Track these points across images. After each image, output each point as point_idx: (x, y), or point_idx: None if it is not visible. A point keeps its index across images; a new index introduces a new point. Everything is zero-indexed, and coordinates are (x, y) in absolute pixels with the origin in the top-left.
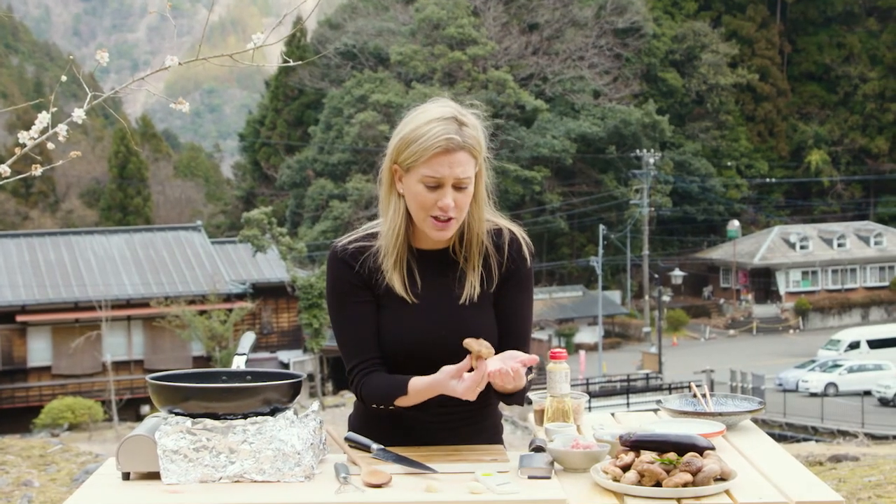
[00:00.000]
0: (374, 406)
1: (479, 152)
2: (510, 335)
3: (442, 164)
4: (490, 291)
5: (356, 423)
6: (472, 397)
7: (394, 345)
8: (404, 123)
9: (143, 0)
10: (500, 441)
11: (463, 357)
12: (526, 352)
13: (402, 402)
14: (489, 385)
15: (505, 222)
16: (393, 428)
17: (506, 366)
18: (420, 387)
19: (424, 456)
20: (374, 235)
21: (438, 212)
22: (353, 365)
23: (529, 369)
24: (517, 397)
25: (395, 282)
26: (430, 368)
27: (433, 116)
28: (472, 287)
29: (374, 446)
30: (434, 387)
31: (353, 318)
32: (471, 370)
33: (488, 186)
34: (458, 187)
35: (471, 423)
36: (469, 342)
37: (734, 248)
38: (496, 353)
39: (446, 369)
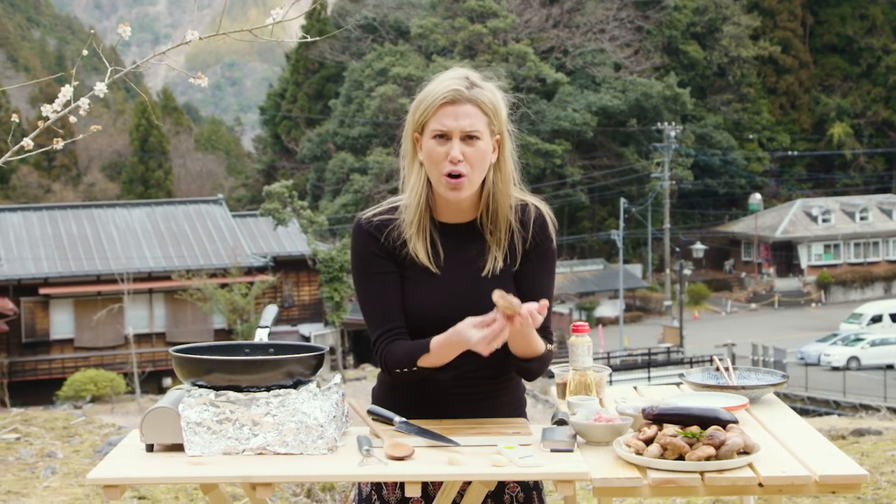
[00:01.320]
0: (398, 371)
1: (490, 110)
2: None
3: (448, 115)
4: (512, 267)
5: (379, 396)
6: (485, 351)
7: (416, 316)
8: (422, 87)
9: None
10: (523, 415)
11: None
12: (547, 329)
13: (424, 360)
14: (509, 354)
15: (531, 198)
16: (416, 401)
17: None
18: (442, 340)
19: (447, 429)
20: (397, 209)
21: (449, 166)
22: (378, 334)
23: (550, 340)
24: (533, 365)
25: (419, 250)
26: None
27: (446, 77)
28: (494, 260)
29: (397, 419)
30: (454, 337)
31: (378, 289)
32: None
33: (514, 161)
34: (467, 139)
35: (494, 397)
36: (497, 297)
37: (756, 222)
38: None
39: (469, 319)
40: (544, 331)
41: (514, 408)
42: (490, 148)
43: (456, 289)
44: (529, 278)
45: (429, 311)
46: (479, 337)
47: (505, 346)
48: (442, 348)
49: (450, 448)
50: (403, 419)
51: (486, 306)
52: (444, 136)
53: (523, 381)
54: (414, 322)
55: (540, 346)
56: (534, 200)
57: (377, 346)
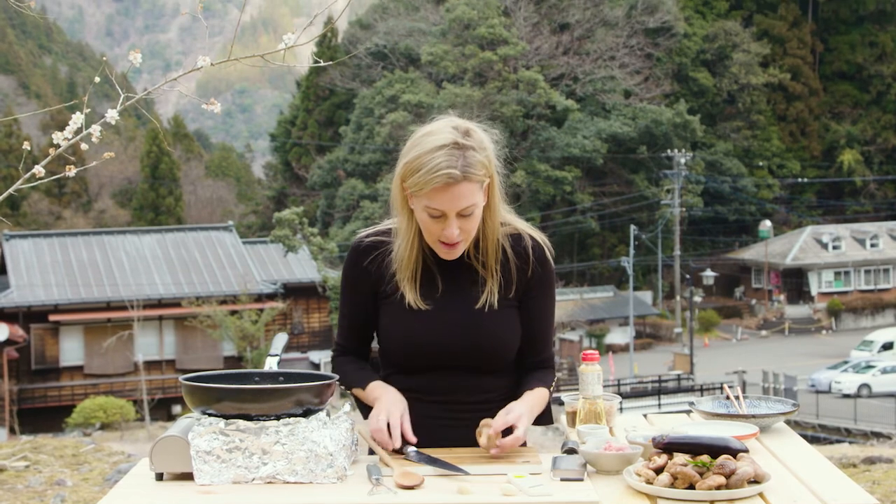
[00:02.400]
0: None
1: (484, 175)
2: (535, 340)
3: (443, 198)
4: (511, 297)
5: None
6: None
7: (410, 347)
8: (409, 146)
9: (175, 1)
10: (524, 443)
11: (476, 362)
12: (548, 353)
13: (357, 392)
14: (514, 390)
15: (523, 225)
16: (416, 428)
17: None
18: (373, 392)
19: (456, 458)
20: (388, 231)
21: (444, 238)
22: (336, 343)
23: (552, 370)
24: (543, 418)
25: (408, 293)
26: (445, 371)
27: (435, 144)
28: (490, 293)
29: (408, 448)
30: (378, 400)
31: (349, 308)
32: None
33: (503, 193)
34: (463, 216)
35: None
36: (483, 440)
37: (766, 249)
38: (522, 357)
39: (397, 406)
40: (548, 362)
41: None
42: (483, 202)
43: (450, 322)
44: (534, 309)
45: (422, 342)
46: (376, 428)
47: (509, 382)
48: (369, 395)
49: (459, 477)
50: (415, 448)
51: (479, 339)
52: (439, 215)
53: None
54: (406, 351)
55: (543, 402)
56: (526, 228)
57: (334, 352)
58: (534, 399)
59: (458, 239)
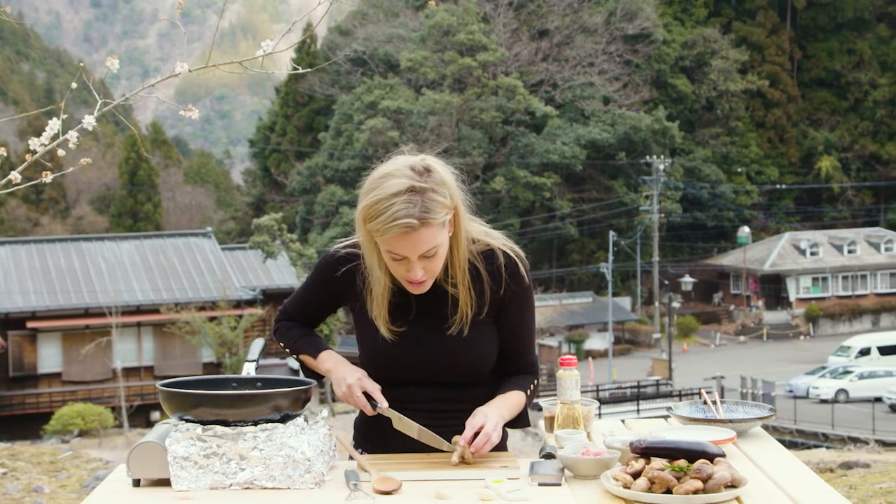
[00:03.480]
0: (280, 342)
1: (446, 213)
2: (514, 351)
3: (404, 245)
4: (484, 316)
5: (360, 427)
6: (338, 392)
7: (386, 365)
8: (367, 188)
9: (154, 7)
10: (504, 447)
11: (452, 378)
12: (529, 360)
13: (306, 359)
14: (489, 392)
15: (496, 240)
16: (392, 435)
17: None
18: (326, 362)
19: (433, 463)
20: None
21: (409, 278)
22: (284, 308)
23: (536, 374)
24: (518, 421)
25: (380, 325)
26: (423, 385)
27: (391, 191)
28: (462, 314)
29: (383, 404)
30: (334, 371)
31: (309, 297)
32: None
33: (468, 217)
34: (426, 257)
35: None
36: (454, 458)
37: (744, 255)
38: (501, 366)
39: (356, 373)
40: (528, 368)
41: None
42: (447, 236)
43: (424, 345)
44: (512, 325)
45: (397, 358)
46: (351, 393)
47: (489, 389)
48: (321, 364)
49: (437, 482)
50: (385, 404)
51: (455, 359)
52: (401, 259)
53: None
54: (381, 365)
55: (522, 403)
56: (499, 244)
57: (279, 316)
58: (505, 401)
59: (422, 279)
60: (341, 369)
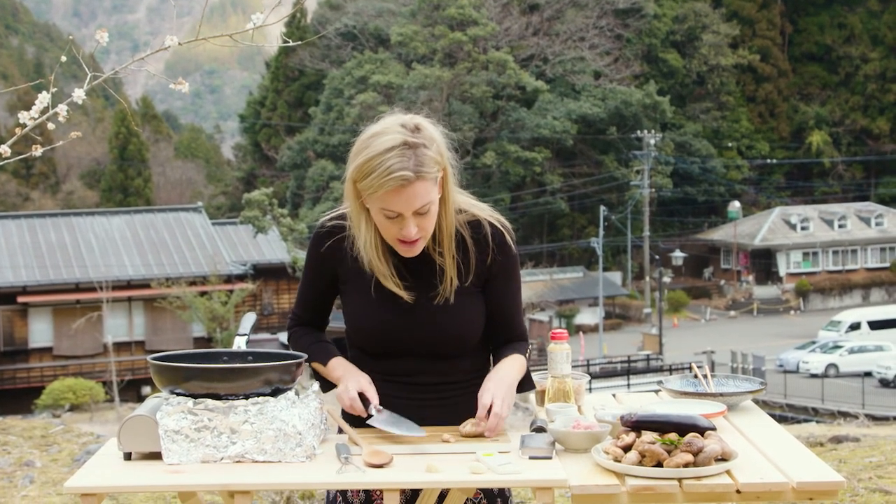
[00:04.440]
0: (291, 348)
1: (437, 170)
2: (503, 322)
3: (398, 200)
4: (470, 285)
5: None
6: (344, 404)
7: (372, 335)
8: (359, 148)
9: None
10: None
11: (437, 349)
12: (519, 330)
13: (317, 366)
14: (478, 371)
15: (481, 212)
16: (385, 407)
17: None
18: (336, 369)
19: (425, 437)
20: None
21: (402, 237)
22: (293, 313)
23: (526, 344)
24: (524, 385)
25: (392, 286)
26: (408, 357)
27: (385, 146)
28: (450, 282)
29: (374, 405)
30: (342, 378)
31: (308, 286)
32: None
33: (458, 181)
34: (420, 214)
35: (456, 404)
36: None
37: (735, 230)
38: (493, 336)
39: (363, 382)
40: (520, 336)
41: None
42: (437, 197)
43: (412, 312)
44: (499, 294)
45: (385, 327)
46: (349, 397)
47: (472, 364)
48: (332, 372)
49: (428, 455)
50: (380, 406)
51: (442, 327)
52: (395, 216)
53: None
54: (369, 333)
55: (522, 373)
56: (485, 214)
57: (290, 322)
58: (508, 367)
59: (416, 237)
60: (349, 377)
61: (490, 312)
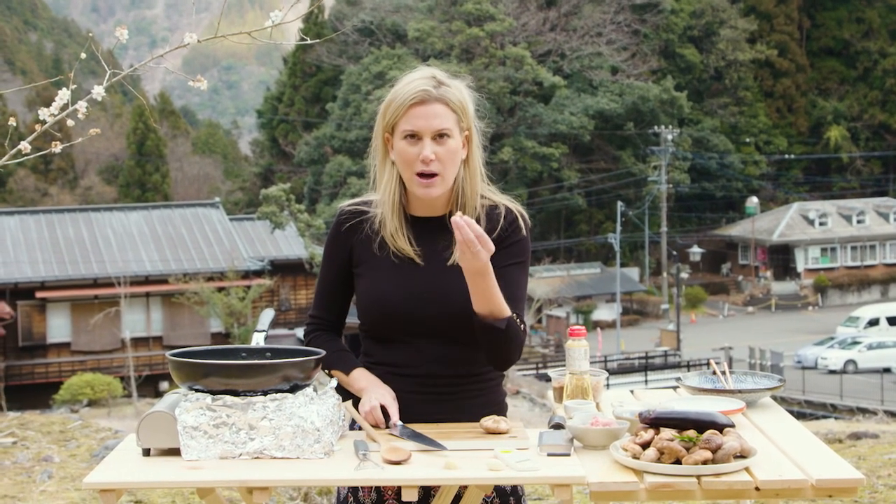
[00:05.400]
0: None
1: (458, 108)
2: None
3: (418, 116)
4: None
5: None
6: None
7: (383, 302)
8: (390, 90)
9: None
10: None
11: (449, 324)
12: (520, 315)
13: (337, 374)
14: (476, 323)
15: (502, 199)
16: (400, 404)
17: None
18: (357, 381)
19: (442, 433)
20: (372, 202)
21: (421, 166)
22: (310, 316)
23: (522, 322)
24: (500, 335)
25: (402, 245)
26: (421, 340)
27: (413, 77)
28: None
29: (393, 420)
30: (363, 390)
31: (326, 274)
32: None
33: (481, 156)
34: (438, 138)
35: (471, 397)
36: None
37: (753, 225)
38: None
39: (385, 393)
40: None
41: (494, 410)
42: (460, 145)
43: (424, 278)
44: (500, 269)
45: (395, 297)
46: (370, 407)
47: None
48: (354, 383)
49: (446, 452)
50: (401, 423)
51: (450, 294)
52: (414, 137)
53: (503, 379)
54: (381, 311)
55: (503, 307)
56: (505, 201)
57: (308, 326)
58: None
59: (435, 168)
60: (372, 389)
61: None
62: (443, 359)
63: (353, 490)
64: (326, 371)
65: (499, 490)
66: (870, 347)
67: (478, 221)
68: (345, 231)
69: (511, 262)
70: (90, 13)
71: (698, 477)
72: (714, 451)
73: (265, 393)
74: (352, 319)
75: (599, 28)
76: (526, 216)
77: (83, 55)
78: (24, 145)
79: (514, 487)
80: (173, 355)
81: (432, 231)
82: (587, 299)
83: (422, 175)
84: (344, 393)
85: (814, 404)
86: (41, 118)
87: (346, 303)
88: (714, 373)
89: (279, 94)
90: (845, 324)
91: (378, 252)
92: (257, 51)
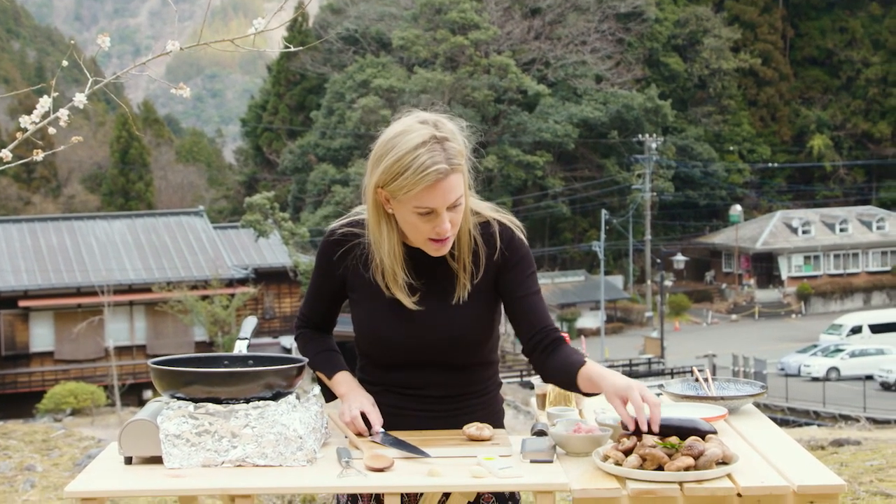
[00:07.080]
0: (298, 349)
1: (465, 166)
2: (533, 312)
3: (434, 195)
4: (481, 285)
5: None
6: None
7: (385, 343)
8: (385, 148)
9: None
10: (501, 426)
11: (450, 357)
12: (551, 322)
13: (321, 376)
14: (490, 375)
15: (490, 212)
16: (390, 415)
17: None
18: (340, 385)
19: (426, 440)
20: (361, 223)
21: (435, 235)
22: (300, 313)
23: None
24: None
25: (404, 298)
26: (420, 367)
27: (415, 143)
28: (462, 286)
29: (376, 429)
30: (345, 395)
31: (317, 290)
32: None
33: (471, 183)
34: (453, 207)
35: (468, 413)
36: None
37: (736, 233)
38: (529, 335)
39: (366, 402)
40: (554, 328)
41: (491, 421)
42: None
43: (426, 318)
44: (514, 286)
45: (396, 335)
46: (352, 416)
47: (481, 376)
48: (336, 388)
49: (429, 459)
50: (383, 430)
51: (456, 332)
52: (430, 213)
53: (501, 391)
54: (379, 342)
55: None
56: (494, 214)
57: (298, 322)
58: (598, 368)
59: (450, 233)
60: (352, 396)
61: (512, 307)
62: (443, 383)
63: (353, 499)
64: (312, 371)
65: (497, 494)
66: (852, 355)
67: (474, 244)
68: (338, 258)
69: (526, 278)
70: (73, 21)
71: (681, 483)
72: (696, 458)
73: (248, 401)
74: (345, 328)
75: (584, 37)
76: (519, 225)
77: (65, 63)
78: (6, 153)
79: (512, 492)
80: (155, 363)
81: (429, 264)
82: (571, 307)
83: (434, 240)
84: (329, 393)
85: (797, 411)
86: (23, 126)
87: (335, 311)
88: (697, 380)
89: (263, 103)
90: (828, 331)
91: (373, 283)
92: (241, 59)
